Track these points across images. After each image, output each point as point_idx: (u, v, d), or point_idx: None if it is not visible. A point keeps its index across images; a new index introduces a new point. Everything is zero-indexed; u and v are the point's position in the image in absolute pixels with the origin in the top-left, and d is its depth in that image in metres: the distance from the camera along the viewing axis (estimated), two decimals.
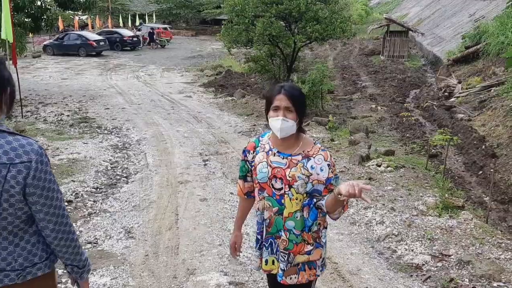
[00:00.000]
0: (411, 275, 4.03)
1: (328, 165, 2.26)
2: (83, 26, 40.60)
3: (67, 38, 28.81)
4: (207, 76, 20.49)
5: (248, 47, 14.14)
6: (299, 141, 2.32)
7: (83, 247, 2.06)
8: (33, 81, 18.14)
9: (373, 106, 13.48)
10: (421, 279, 3.95)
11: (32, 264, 1.84)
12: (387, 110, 13.00)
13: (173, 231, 4.86)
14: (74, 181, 6.64)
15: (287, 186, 2.27)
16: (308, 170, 2.24)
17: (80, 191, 6.28)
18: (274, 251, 2.38)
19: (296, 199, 2.28)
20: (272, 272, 2.43)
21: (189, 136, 9.69)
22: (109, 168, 7.61)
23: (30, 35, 26.71)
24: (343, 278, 3.96)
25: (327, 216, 2.33)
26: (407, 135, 10.03)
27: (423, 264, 4.16)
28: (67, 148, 8.52)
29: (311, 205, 2.29)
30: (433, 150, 8.26)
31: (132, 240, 4.66)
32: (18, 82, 12.07)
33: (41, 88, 16.56)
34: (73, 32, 30.99)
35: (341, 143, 8.66)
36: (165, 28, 37.25)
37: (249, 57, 14.44)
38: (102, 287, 3.64)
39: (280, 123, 2.21)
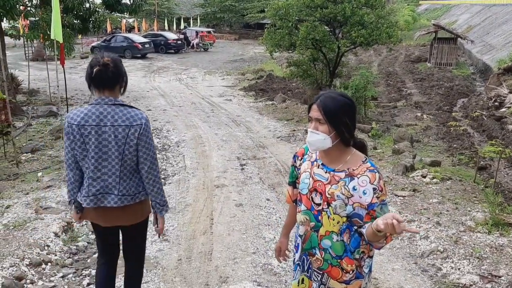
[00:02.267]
0: None
1: (374, 189, 2.03)
2: (130, 29, 41.67)
3: (114, 40, 29.58)
4: (248, 80, 20.48)
5: (290, 51, 13.97)
6: (346, 156, 2.13)
7: None
8: (80, 81, 18.66)
9: (419, 114, 13.02)
10: None
11: (139, 192, 2.75)
12: (433, 119, 12.52)
13: (207, 236, 4.76)
14: None
15: (325, 203, 2.12)
16: (349, 191, 2.05)
17: None
18: (306, 268, 2.25)
19: (333, 220, 2.12)
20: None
21: (227, 139, 9.62)
22: None
23: (79, 36, 27.65)
24: None
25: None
26: (455, 145, 9.57)
27: (470, 285, 3.86)
28: None
29: (352, 231, 2.11)
30: (482, 162, 7.82)
31: (166, 243, 4.59)
32: (65, 81, 12.44)
33: (86, 88, 16.88)
34: (120, 34, 31.79)
35: (384, 152, 8.35)
36: (209, 32, 37.62)
37: (291, 61, 14.27)
38: None
39: (309, 136, 2.11)
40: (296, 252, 2.29)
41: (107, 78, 2.61)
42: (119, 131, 2.58)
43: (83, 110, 2.63)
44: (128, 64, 25.69)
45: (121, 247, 3.08)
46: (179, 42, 32.59)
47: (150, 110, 13.18)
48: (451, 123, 10.78)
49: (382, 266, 4.18)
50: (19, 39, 26.07)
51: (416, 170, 7.03)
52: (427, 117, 12.72)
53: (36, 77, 18.07)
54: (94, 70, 2.57)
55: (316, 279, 2.21)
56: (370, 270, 2.22)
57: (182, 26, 42.33)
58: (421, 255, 4.43)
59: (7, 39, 26.87)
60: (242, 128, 10.86)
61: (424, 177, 6.66)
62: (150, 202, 2.84)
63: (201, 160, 8.04)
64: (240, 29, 50.69)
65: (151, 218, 3.03)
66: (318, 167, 2.16)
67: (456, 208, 5.47)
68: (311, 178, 2.16)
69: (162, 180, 7.04)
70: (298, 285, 2.28)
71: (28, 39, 17.12)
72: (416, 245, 4.62)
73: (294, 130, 10.61)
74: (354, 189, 2.04)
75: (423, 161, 7.52)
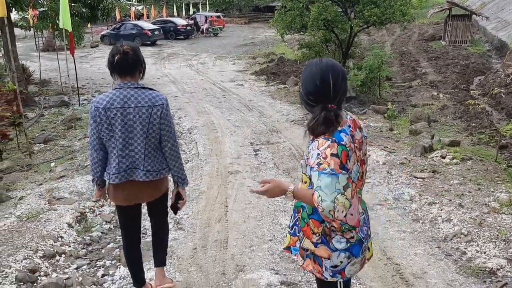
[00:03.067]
0: (484, 281, 3.59)
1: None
2: (139, 16, 41.45)
3: (123, 28, 29.45)
4: (259, 64, 20.23)
5: (302, 33, 13.69)
6: None
7: None
8: (91, 70, 18.64)
9: (435, 93, 12.70)
10: (496, 286, 3.52)
11: (162, 168, 2.97)
12: (450, 97, 12.20)
13: (222, 223, 4.66)
14: None
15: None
16: (308, 152, 2.10)
17: None
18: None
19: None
20: (283, 247, 2.46)
21: (240, 125, 9.48)
22: None
23: (89, 25, 27.58)
24: (406, 281, 3.59)
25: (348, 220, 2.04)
26: (473, 124, 9.30)
27: (498, 269, 3.70)
28: None
29: None
30: (503, 141, 7.57)
31: (181, 231, 4.50)
32: (76, 71, 12.38)
33: (98, 77, 16.98)
34: (129, 22, 31.63)
35: (401, 133, 8.14)
36: (218, 16, 37.25)
37: (302, 43, 13.99)
38: (149, 281, 3.49)
39: None
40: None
41: (127, 65, 2.83)
42: (143, 112, 2.80)
43: (108, 95, 2.83)
44: None
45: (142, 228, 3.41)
46: (188, 28, 32.34)
47: None
48: (469, 101, 10.48)
49: (404, 251, 4.04)
50: (29, 30, 26.06)
51: (435, 150, 6.83)
52: (443, 96, 12.41)
53: (47, 67, 18.07)
54: (116, 58, 2.79)
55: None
56: (346, 251, 2.15)
57: (191, 12, 41.97)
58: (444, 238, 4.28)
59: (18, 30, 26.94)
60: (255, 113, 10.71)
61: (444, 157, 6.46)
62: (172, 177, 3.08)
63: (214, 146, 7.92)
64: (250, 12, 50.13)
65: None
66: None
67: (478, 189, 5.29)
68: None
69: None
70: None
71: (38, 30, 17.13)
72: (439, 228, 4.47)
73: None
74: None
75: (441, 142, 7.31)
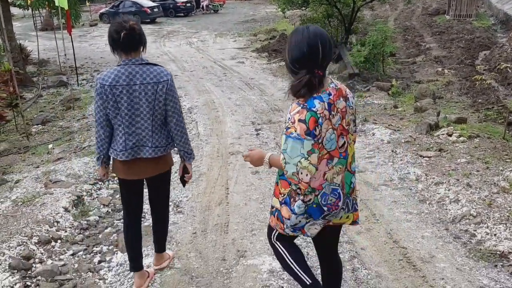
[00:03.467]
0: (496, 265, 3.46)
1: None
2: None
3: (122, 5, 28.93)
4: (260, 40, 19.87)
5: (303, 8, 13.35)
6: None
7: None
8: (90, 49, 18.35)
9: (439, 69, 12.41)
10: (508, 271, 3.38)
11: (168, 143, 2.99)
12: (455, 73, 11.92)
13: (223, 206, 4.53)
14: None
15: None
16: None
17: None
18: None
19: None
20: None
21: (241, 104, 9.29)
22: None
23: (87, 3, 27.11)
24: (414, 266, 3.46)
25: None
26: (479, 100, 9.07)
27: (509, 252, 3.57)
28: None
29: None
30: (511, 117, 7.37)
31: (181, 215, 4.38)
32: (73, 50, 12.14)
33: (97, 56, 16.71)
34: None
35: (406, 110, 7.94)
36: None
37: (304, 19, 13.65)
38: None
39: None
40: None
41: (134, 41, 2.79)
42: (149, 88, 2.79)
43: (113, 71, 2.80)
44: None
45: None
46: (188, 4, 31.76)
47: None
48: (475, 77, 10.22)
49: (411, 234, 3.90)
50: (27, 9, 25.68)
51: (441, 128, 6.64)
52: (448, 71, 12.13)
53: (46, 47, 17.78)
54: (122, 34, 2.71)
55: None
56: (305, 214, 2.27)
57: None
58: (452, 220, 4.13)
59: (16, 10, 26.51)
60: (256, 91, 10.50)
61: (450, 135, 6.28)
62: (179, 152, 3.10)
63: (214, 126, 7.76)
64: None
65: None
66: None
67: (486, 167, 5.12)
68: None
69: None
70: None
71: (35, 8, 16.80)
72: (446, 209, 4.32)
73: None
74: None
75: (447, 119, 7.11)
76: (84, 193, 4.92)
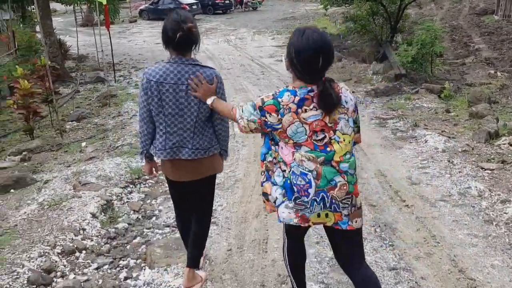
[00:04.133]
0: None
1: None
2: None
3: (161, 2, 28.98)
4: None
5: (347, 5, 12.78)
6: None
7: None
8: (128, 46, 18.35)
9: (491, 71, 11.60)
10: None
11: (212, 146, 2.83)
12: (509, 76, 11.11)
13: (261, 219, 4.11)
14: None
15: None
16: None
17: None
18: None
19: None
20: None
21: None
22: None
23: (127, 0, 27.31)
24: None
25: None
26: None
27: None
28: None
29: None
30: None
31: (214, 227, 3.99)
32: (111, 46, 12.02)
33: (135, 52, 16.66)
34: None
35: (459, 115, 7.30)
36: None
37: (347, 16, 13.06)
38: None
39: None
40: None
41: (189, 43, 2.72)
42: None
43: (161, 68, 2.70)
44: None
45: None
46: (227, 1, 31.55)
47: None
48: None
49: (478, 262, 3.38)
50: (69, 5, 26.11)
51: (501, 136, 6.01)
52: (501, 74, 11.32)
53: (85, 42, 17.89)
54: (178, 35, 2.63)
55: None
56: (283, 188, 2.36)
57: None
58: None
59: (59, 6, 27.00)
60: None
61: None
62: (220, 151, 2.97)
63: None
64: None
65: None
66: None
67: None
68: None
69: None
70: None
71: (75, 4, 16.92)
72: None
73: (353, 92, 9.64)
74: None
75: (507, 126, 6.46)
76: (114, 197, 4.63)
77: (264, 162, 2.44)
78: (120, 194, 4.73)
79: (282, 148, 2.31)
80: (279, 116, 2.22)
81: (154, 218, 4.33)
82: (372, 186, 4.78)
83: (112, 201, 4.54)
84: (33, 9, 18.15)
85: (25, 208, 4.32)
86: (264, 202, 2.51)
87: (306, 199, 2.27)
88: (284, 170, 2.31)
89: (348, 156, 2.30)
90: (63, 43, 14.76)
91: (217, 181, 5.27)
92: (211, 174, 2.96)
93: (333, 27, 22.27)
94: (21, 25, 14.11)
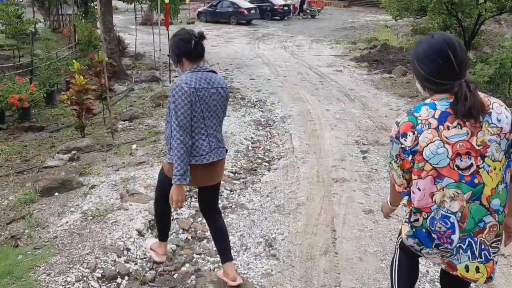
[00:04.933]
0: None
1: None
2: None
3: (220, 5, 28.96)
4: (359, 49, 18.65)
5: (418, 17, 11.97)
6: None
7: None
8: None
9: None
10: None
11: (224, 146, 3.04)
12: None
13: (330, 258, 3.52)
14: None
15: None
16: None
17: None
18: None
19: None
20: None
21: (341, 117, 8.25)
22: (250, 148, 6.60)
23: (187, 1, 27.45)
24: None
25: None
26: None
27: None
28: None
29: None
30: None
31: (275, 261, 3.45)
32: (169, 47, 11.79)
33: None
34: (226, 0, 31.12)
35: None
36: None
37: (417, 28, 12.25)
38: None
39: None
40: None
41: (202, 49, 2.87)
42: (221, 92, 2.89)
43: (192, 76, 2.79)
44: (233, 30, 24.96)
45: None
46: (285, 8, 31.15)
47: (253, 79, 12.16)
48: None
49: None
50: (131, 3, 26.54)
51: None
52: None
53: (144, 41, 17.93)
54: (193, 42, 2.78)
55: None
56: (415, 237, 2.08)
57: None
58: None
59: (120, 4, 27.51)
60: (357, 104, 9.39)
61: None
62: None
63: (311, 141, 6.80)
64: None
65: None
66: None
67: None
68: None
69: (267, 164, 5.98)
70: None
71: (137, 1, 16.97)
72: None
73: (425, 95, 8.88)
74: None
75: None
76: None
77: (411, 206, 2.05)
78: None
79: (413, 192, 1.96)
80: (416, 133, 1.88)
81: (205, 241, 3.84)
82: None
83: None
84: (96, 5, 18.45)
85: (68, 217, 3.95)
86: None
87: (449, 247, 1.94)
88: (416, 220, 2.00)
89: (500, 188, 1.90)
90: (121, 40, 14.77)
91: (275, 202, 4.83)
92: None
93: (395, 39, 21.32)
94: (83, 20, 14.21)
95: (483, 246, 1.92)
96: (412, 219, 2.01)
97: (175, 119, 2.67)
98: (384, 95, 10.42)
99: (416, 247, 2.06)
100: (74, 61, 7.78)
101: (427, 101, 1.93)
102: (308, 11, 32.91)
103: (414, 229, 2.02)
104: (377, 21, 30.21)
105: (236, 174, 5.50)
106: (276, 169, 5.66)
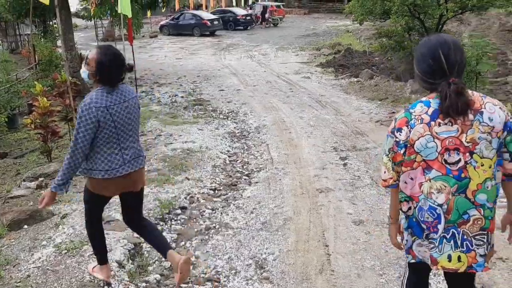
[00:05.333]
0: None
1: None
2: (198, 6, 40.80)
3: (182, 17, 28.76)
4: (324, 55, 18.81)
5: (382, 20, 12.09)
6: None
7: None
8: (149, 61, 17.91)
9: None
10: None
11: (143, 154, 3.09)
12: None
13: (327, 276, 3.33)
14: (188, 179, 5.48)
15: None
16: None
17: (195, 194, 5.10)
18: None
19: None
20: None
21: (315, 124, 8.16)
22: (227, 162, 6.39)
23: (148, 15, 27.10)
24: None
25: None
26: None
27: None
28: (181, 135, 7.50)
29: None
30: None
31: (268, 285, 3.24)
32: (134, 61, 11.46)
33: (156, 67, 16.18)
34: (188, 11, 30.91)
35: None
36: (278, 6, 35.84)
37: (381, 31, 12.35)
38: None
39: None
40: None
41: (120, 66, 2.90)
42: (133, 103, 2.93)
43: (102, 93, 2.79)
44: (197, 42, 24.73)
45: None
46: (248, 18, 31.21)
47: (222, 90, 11.97)
48: None
49: None
50: (90, 20, 25.93)
51: None
52: None
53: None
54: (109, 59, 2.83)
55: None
56: (408, 228, 2.19)
57: (250, 1, 40.79)
58: None
59: (80, 21, 26.87)
60: (330, 110, 9.34)
61: None
62: None
63: (289, 151, 6.66)
64: (310, 2, 48.33)
65: None
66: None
67: None
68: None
69: (247, 178, 5.78)
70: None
71: (97, 17, 16.55)
72: None
73: (394, 112, 8.90)
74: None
75: None
76: (143, 239, 3.92)
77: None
78: None
79: (406, 182, 2.09)
80: (409, 128, 2.03)
81: (191, 267, 3.60)
82: None
83: (141, 244, 3.83)
84: (55, 23, 17.89)
85: (40, 251, 3.64)
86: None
87: (435, 236, 2.06)
88: (408, 209, 2.13)
89: (488, 184, 2.00)
90: (83, 58, 14.32)
91: (260, 218, 4.61)
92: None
93: (358, 43, 21.61)
94: (42, 40, 13.72)
95: (465, 237, 2.02)
96: (405, 208, 2.13)
97: (75, 136, 2.71)
98: (354, 99, 10.42)
99: (410, 240, 2.16)
100: (36, 82, 7.39)
101: (423, 98, 2.07)
102: (270, 20, 33.10)
103: (407, 219, 2.15)
104: (338, 27, 30.64)
105: (216, 191, 5.28)
106: (257, 182, 5.48)
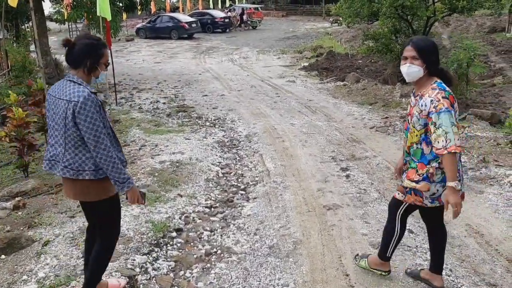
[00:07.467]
0: None
1: (431, 100, 2.71)
2: (174, 9, 40.12)
3: (159, 20, 28.15)
4: (306, 58, 18.59)
5: (370, 22, 11.85)
6: (428, 85, 2.81)
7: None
8: (127, 65, 17.32)
9: None
10: None
11: (84, 170, 2.73)
12: None
13: None
14: (181, 196, 5.04)
15: (409, 121, 2.94)
16: (420, 108, 2.78)
17: (190, 213, 4.67)
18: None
19: (413, 133, 2.87)
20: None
21: (308, 132, 7.82)
22: (220, 174, 5.98)
23: (124, 17, 26.39)
24: None
25: None
26: None
27: None
28: (167, 146, 7.02)
29: (429, 142, 2.80)
30: None
31: None
32: (113, 66, 10.92)
33: (135, 72, 15.62)
34: (165, 14, 30.28)
35: None
36: (256, 9, 35.57)
37: (368, 34, 12.11)
38: None
39: (406, 69, 2.81)
40: None
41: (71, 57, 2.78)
42: (61, 105, 2.70)
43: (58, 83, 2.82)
44: (176, 45, 24.19)
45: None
46: (226, 20, 30.80)
47: (206, 95, 11.54)
48: None
49: None
50: (64, 24, 25.05)
51: None
52: None
53: None
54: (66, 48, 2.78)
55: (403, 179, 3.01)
56: (442, 181, 2.79)
57: (227, 4, 40.39)
58: None
59: (53, 25, 25.96)
60: (321, 116, 9.02)
61: None
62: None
63: (286, 161, 6.28)
64: (287, 5, 48.24)
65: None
66: (412, 95, 2.95)
67: None
68: (409, 106, 2.99)
69: (243, 193, 5.38)
70: None
71: (72, 20, 15.89)
72: None
73: (387, 117, 8.64)
74: (422, 105, 2.78)
75: None
76: (137, 270, 3.48)
77: (427, 166, 2.83)
78: (144, 264, 3.58)
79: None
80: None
81: None
82: (472, 251, 3.68)
83: (136, 277, 3.39)
84: (27, 28, 17.12)
85: None
86: (409, 195, 2.94)
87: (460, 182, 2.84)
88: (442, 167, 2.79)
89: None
90: (59, 63, 13.67)
91: (266, 241, 4.19)
92: (92, 200, 2.82)
93: (339, 46, 21.45)
94: (15, 45, 13.03)
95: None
96: (441, 166, 2.75)
97: (94, 133, 2.66)
98: (344, 104, 10.14)
99: (440, 190, 2.81)
100: (10, 91, 6.82)
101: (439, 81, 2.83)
102: (249, 22, 32.79)
103: (442, 174, 2.78)
104: (317, 29, 30.57)
105: (212, 209, 4.86)
106: (255, 198, 5.07)
